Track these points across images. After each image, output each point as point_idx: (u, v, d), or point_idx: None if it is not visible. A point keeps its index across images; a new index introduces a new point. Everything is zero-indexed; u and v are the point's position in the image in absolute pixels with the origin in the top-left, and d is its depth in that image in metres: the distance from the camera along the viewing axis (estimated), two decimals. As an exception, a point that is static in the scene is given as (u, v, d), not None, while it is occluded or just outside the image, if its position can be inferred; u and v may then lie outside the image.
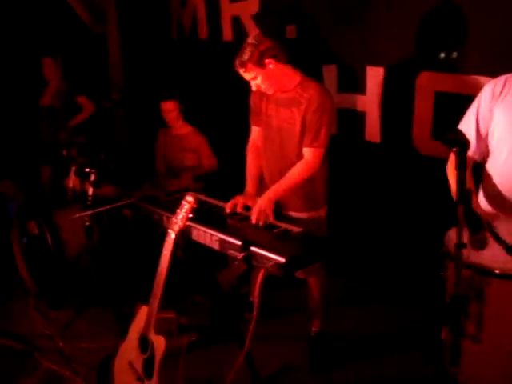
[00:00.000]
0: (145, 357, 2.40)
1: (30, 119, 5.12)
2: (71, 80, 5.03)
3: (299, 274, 2.88)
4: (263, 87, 2.82)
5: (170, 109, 4.29)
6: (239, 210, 2.88)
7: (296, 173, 2.84)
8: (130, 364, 2.49)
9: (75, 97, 4.96)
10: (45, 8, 5.40)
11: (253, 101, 3.07)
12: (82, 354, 3.25)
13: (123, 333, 2.61)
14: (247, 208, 2.87)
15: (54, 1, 5.47)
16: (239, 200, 2.91)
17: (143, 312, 2.45)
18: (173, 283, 2.40)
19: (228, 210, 2.88)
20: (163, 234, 2.43)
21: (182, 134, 4.38)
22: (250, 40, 2.74)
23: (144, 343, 2.41)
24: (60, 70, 5.01)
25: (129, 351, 2.51)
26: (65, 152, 4.28)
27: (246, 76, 2.78)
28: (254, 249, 2.40)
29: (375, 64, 3.55)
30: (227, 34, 4.68)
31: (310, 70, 2.98)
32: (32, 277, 4.01)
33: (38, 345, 3.39)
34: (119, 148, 5.90)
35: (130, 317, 2.58)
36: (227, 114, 4.69)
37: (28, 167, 5.05)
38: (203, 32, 4.96)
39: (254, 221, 2.72)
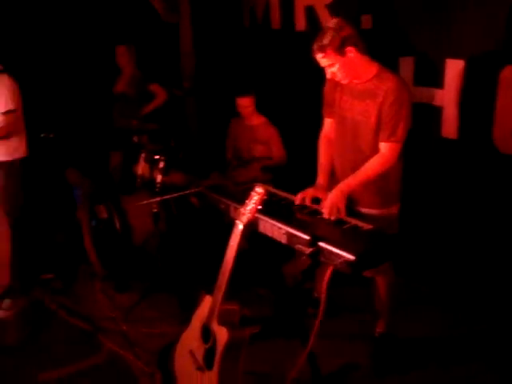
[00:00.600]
0: (206, 347, 2.39)
1: (102, 106, 5.23)
2: (144, 68, 5.10)
3: (367, 273, 2.78)
4: (339, 76, 2.71)
5: (245, 105, 4.26)
6: (308, 202, 2.81)
7: (371, 167, 2.73)
8: (191, 353, 2.48)
9: (148, 84, 5.01)
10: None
11: (326, 92, 2.98)
12: (144, 339, 3.30)
13: (185, 320, 2.61)
14: (317, 201, 2.79)
15: (129, -10, 5.58)
16: (309, 193, 2.84)
17: (207, 302, 2.44)
18: (237, 274, 2.37)
19: (297, 203, 2.82)
20: (229, 224, 2.41)
21: (254, 125, 4.34)
22: (331, 25, 2.64)
23: (206, 333, 2.40)
24: (133, 58, 5.08)
25: (190, 340, 2.51)
26: (136, 138, 4.35)
27: (323, 62, 2.67)
28: (322, 244, 2.33)
29: (455, 56, 3.39)
30: (300, 23, 4.60)
31: (386, 62, 2.86)
32: (99, 259, 4.11)
33: (103, 326, 3.46)
34: (189, 136, 5.95)
35: (193, 304, 2.58)
36: (299, 105, 4.62)
37: (98, 152, 5.17)
38: (276, 21, 4.91)
39: (326, 215, 2.64)
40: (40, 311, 3.65)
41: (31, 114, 3.86)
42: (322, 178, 2.97)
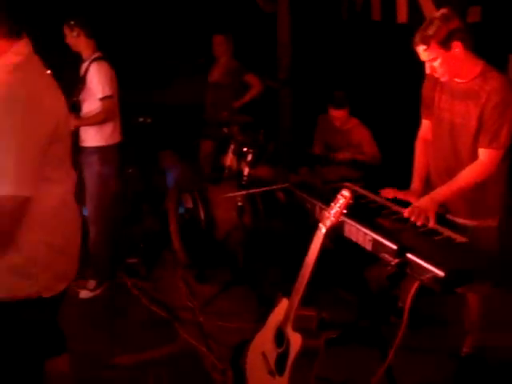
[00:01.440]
0: (279, 351, 2.30)
1: (197, 94, 5.25)
2: (240, 58, 5.05)
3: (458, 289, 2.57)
4: (439, 72, 2.50)
5: (339, 116, 4.12)
6: (390, 196, 2.68)
7: (467, 176, 2.53)
8: (264, 355, 2.41)
9: (243, 75, 4.95)
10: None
11: (425, 91, 2.78)
12: (218, 332, 3.28)
13: (262, 318, 2.54)
14: (407, 205, 2.61)
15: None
16: (398, 194, 2.69)
17: (284, 304, 2.35)
18: (320, 273, 2.25)
19: (382, 194, 2.69)
20: (314, 224, 2.30)
21: (346, 129, 4.19)
22: (438, 15, 2.43)
23: (280, 337, 2.31)
24: (231, 47, 5.03)
25: (264, 341, 2.43)
26: (226, 129, 4.32)
27: (424, 56, 2.47)
28: (410, 256, 2.17)
29: None
30: (402, 15, 4.41)
31: (494, 59, 2.63)
32: (184, 247, 4.14)
33: (180, 316, 3.48)
34: (282, 129, 5.86)
35: (271, 302, 2.50)
36: (397, 101, 4.41)
37: (190, 140, 5.21)
38: (376, 12, 4.72)
39: (406, 213, 2.46)
40: (122, 294, 3.74)
41: (128, 100, 3.92)
42: (416, 183, 2.80)
